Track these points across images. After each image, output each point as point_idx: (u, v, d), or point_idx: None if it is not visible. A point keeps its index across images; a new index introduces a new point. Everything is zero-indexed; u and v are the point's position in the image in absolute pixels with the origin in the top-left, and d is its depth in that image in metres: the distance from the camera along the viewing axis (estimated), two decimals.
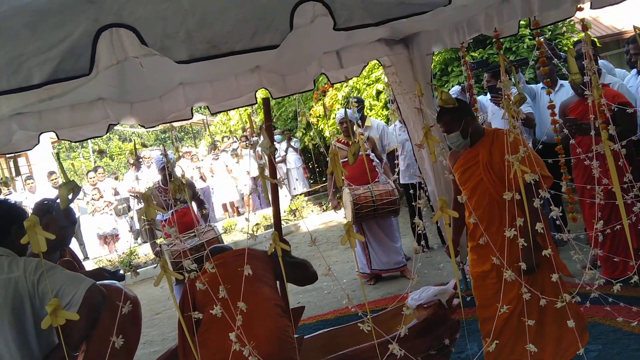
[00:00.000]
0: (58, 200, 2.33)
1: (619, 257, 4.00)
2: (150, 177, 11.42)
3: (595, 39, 7.48)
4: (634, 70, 5.05)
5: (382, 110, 9.27)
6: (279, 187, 2.62)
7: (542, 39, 3.81)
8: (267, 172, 2.45)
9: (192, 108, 4.46)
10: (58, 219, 3.00)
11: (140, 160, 12.33)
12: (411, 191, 4.98)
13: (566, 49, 8.48)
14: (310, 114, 11.30)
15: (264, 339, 2.96)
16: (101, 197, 11.82)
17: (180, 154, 15.11)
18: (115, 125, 4.44)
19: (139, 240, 12.49)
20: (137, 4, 1.67)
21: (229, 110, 7.80)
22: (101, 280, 3.66)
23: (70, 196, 1.97)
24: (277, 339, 2.94)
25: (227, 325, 2.62)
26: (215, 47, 1.74)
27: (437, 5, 1.94)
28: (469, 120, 3.35)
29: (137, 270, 9.62)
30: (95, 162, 24.82)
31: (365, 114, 7.53)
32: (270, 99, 4.38)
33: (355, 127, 7.19)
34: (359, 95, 9.88)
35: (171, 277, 2.02)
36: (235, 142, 13.63)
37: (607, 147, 2.30)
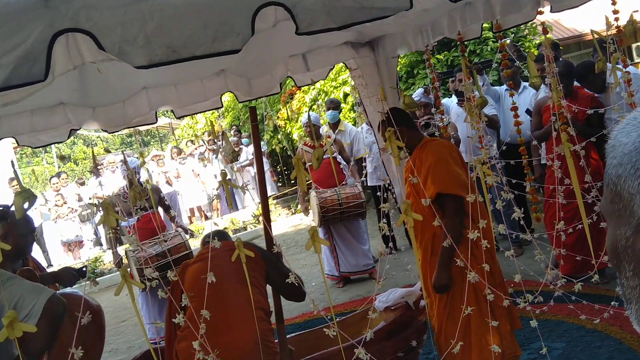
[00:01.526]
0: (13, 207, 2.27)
1: (580, 256, 4.07)
2: (114, 182, 11.24)
3: (557, 41, 7.64)
4: None
5: (350, 113, 9.31)
6: (243, 193, 2.59)
7: (507, 41, 3.88)
8: (233, 176, 2.43)
9: (156, 112, 4.40)
10: (16, 226, 2.92)
11: (101, 166, 12.13)
12: (378, 193, 5.00)
13: (528, 51, 8.64)
14: (278, 117, 11.27)
15: (242, 341, 2.94)
16: (65, 203, 11.58)
17: (145, 159, 14.93)
18: (77, 130, 4.34)
19: (104, 246, 12.27)
20: (94, 9, 1.63)
21: (195, 114, 7.73)
22: (68, 279, 3.60)
23: (25, 205, 1.91)
24: (256, 343, 2.91)
25: (209, 322, 2.58)
26: (175, 52, 1.72)
27: (399, 10, 1.94)
28: (404, 130, 3.25)
29: (101, 278, 9.49)
30: (59, 167, 24.32)
31: (342, 117, 7.56)
32: (237, 102, 4.36)
33: (326, 129, 7.23)
34: (326, 98, 9.90)
35: (132, 286, 1.98)
36: (202, 145, 13.50)
37: (567, 148, 2.35)
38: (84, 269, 3.97)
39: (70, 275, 3.70)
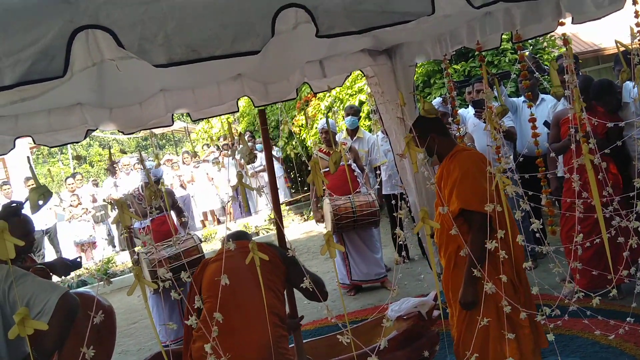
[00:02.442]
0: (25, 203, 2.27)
1: (597, 271, 4.01)
2: (129, 183, 11.30)
3: (575, 54, 7.57)
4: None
5: (365, 121, 9.28)
6: (259, 196, 2.56)
7: (525, 52, 3.85)
8: (247, 180, 2.42)
9: (172, 115, 4.40)
10: (17, 226, 2.88)
11: (117, 167, 12.20)
12: (393, 202, 4.97)
13: (547, 63, 8.58)
14: (293, 123, 11.28)
15: (255, 345, 2.91)
16: (79, 204, 11.65)
17: (161, 161, 15.01)
18: (94, 130, 4.36)
19: (117, 247, 12.33)
20: (114, 6, 1.63)
21: (211, 117, 7.75)
22: (62, 269, 3.59)
23: (40, 202, 1.91)
24: (269, 348, 2.88)
25: (222, 324, 2.56)
26: (194, 51, 1.71)
27: (420, 15, 1.92)
28: (434, 137, 3.25)
29: (113, 279, 9.52)
30: (74, 168, 24.52)
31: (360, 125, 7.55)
32: (253, 107, 4.35)
33: (344, 136, 7.21)
34: (342, 106, 9.89)
35: (145, 287, 1.96)
36: (216, 150, 13.56)
37: (588, 159, 2.31)
38: (78, 259, 3.95)
39: (65, 266, 3.69)
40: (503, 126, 2.52)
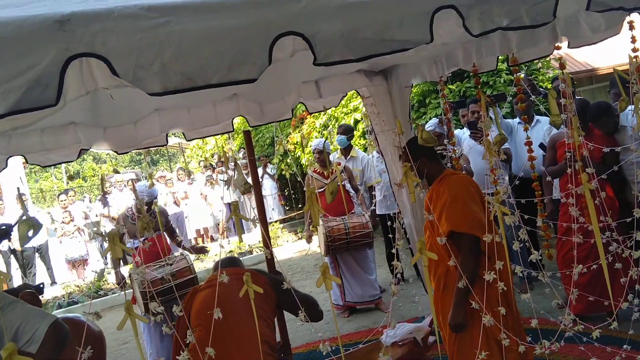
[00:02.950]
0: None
1: (593, 297, 3.98)
2: (122, 200, 11.23)
3: (571, 76, 7.60)
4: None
5: (360, 140, 9.28)
6: (254, 226, 2.51)
7: (521, 75, 3.85)
8: (242, 199, 2.38)
9: (167, 134, 4.37)
10: None
11: (109, 186, 12.14)
12: (389, 222, 4.93)
13: (542, 84, 8.63)
14: (288, 141, 11.26)
15: None
16: (71, 220, 11.55)
17: (154, 177, 14.94)
18: (87, 150, 4.33)
19: (109, 265, 12.21)
20: (110, 33, 1.60)
21: (206, 137, 7.72)
22: (26, 295, 3.52)
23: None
24: None
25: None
26: (190, 79, 1.68)
27: (420, 43, 1.91)
28: (424, 161, 3.30)
29: (105, 298, 9.41)
30: (67, 183, 24.41)
31: (352, 143, 7.52)
32: (248, 126, 4.33)
33: (338, 155, 7.18)
34: (337, 124, 9.89)
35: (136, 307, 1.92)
36: (210, 168, 13.50)
37: (587, 189, 2.28)
38: (41, 285, 3.89)
39: (27, 294, 3.62)
40: (502, 155, 2.50)
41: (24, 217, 1.89)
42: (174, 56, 1.67)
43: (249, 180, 2.72)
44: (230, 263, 3.38)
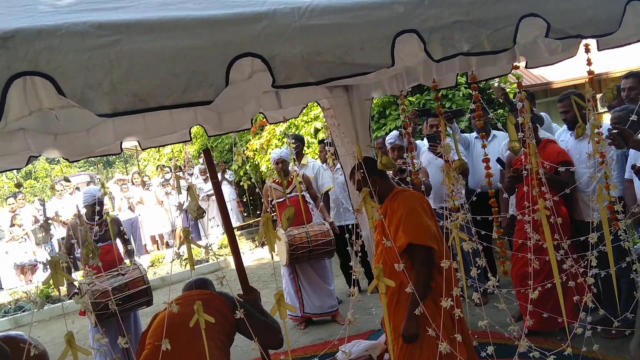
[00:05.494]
0: None
1: (547, 313, 4.04)
2: (72, 204, 10.90)
3: (525, 93, 7.76)
4: (565, 126, 5.25)
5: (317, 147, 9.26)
6: (206, 254, 2.43)
7: (495, 83, 3.90)
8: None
9: (121, 142, 4.24)
10: None
11: (61, 190, 11.82)
12: (347, 235, 4.91)
13: (508, 115, 8.75)
14: (247, 148, 11.15)
15: None
16: (20, 225, 11.15)
17: (112, 180, 14.60)
18: (37, 157, 4.16)
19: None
20: (56, 52, 1.51)
21: (162, 146, 7.55)
22: None
23: None
24: None
25: None
26: (142, 100, 1.60)
27: (380, 67, 1.88)
28: (376, 179, 3.37)
29: (53, 306, 9.12)
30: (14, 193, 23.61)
31: (303, 152, 7.49)
32: (206, 134, 4.22)
33: (291, 166, 7.12)
34: (297, 132, 9.85)
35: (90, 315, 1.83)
36: (168, 172, 13.24)
37: (544, 215, 2.30)
38: None
39: None
40: (461, 181, 2.50)
41: None
42: (124, 76, 1.59)
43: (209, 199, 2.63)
44: (200, 285, 3.43)
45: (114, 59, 1.57)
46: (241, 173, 12.37)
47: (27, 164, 4.10)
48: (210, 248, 2.23)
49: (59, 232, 11.27)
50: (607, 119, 5.39)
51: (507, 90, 8.69)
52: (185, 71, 1.66)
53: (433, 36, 2.02)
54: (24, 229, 11.18)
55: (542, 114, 6.01)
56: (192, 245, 2.12)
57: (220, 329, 2.97)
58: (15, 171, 24.41)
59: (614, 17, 2.50)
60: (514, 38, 2.19)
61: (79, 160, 4.55)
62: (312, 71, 1.80)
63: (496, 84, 4.20)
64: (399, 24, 1.96)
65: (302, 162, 7.09)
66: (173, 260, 9.21)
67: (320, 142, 7.79)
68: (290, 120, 10.11)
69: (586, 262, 3.19)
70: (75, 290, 5.24)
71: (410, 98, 8.58)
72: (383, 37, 1.91)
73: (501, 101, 8.41)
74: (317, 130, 9.54)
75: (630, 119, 3.35)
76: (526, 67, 3.83)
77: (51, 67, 1.51)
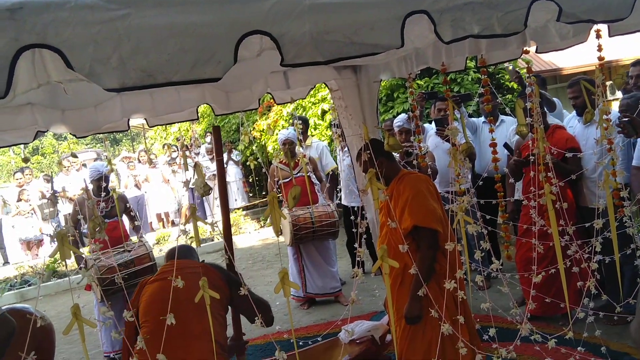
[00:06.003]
0: None
1: (550, 298, 4.05)
2: (79, 180, 10.95)
3: (534, 78, 7.70)
4: (574, 112, 5.21)
5: (327, 130, 9.23)
6: (212, 231, 2.43)
7: (509, 67, 3.87)
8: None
9: (128, 119, 4.25)
10: None
11: (68, 166, 11.85)
12: (352, 217, 4.93)
13: (508, 84, 8.71)
14: (254, 128, 11.14)
15: None
16: (27, 200, 11.21)
17: (118, 158, 14.62)
18: (45, 132, 4.17)
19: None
20: (64, 24, 1.51)
21: (169, 124, 7.55)
22: None
23: None
24: None
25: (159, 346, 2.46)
26: (150, 76, 1.60)
27: (390, 48, 1.87)
28: (383, 160, 3.38)
29: (59, 280, 9.19)
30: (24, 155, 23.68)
31: (309, 133, 7.50)
32: (213, 113, 4.22)
33: (297, 147, 7.13)
34: (304, 113, 9.82)
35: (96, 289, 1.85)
36: (175, 151, 13.26)
37: (549, 200, 2.30)
38: None
39: None
40: (468, 164, 2.50)
41: None
42: (133, 51, 1.58)
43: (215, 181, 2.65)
44: (185, 254, 3.26)
45: (123, 33, 1.57)
46: (247, 153, 12.36)
47: (34, 139, 4.11)
48: (216, 226, 2.24)
49: (65, 208, 11.34)
50: (615, 106, 5.35)
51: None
52: (193, 47, 1.65)
53: (443, 17, 2.00)
54: (30, 204, 11.26)
55: (555, 99, 5.97)
56: (198, 223, 2.14)
57: (219, 305, 2.98)
58: (22, 146, 24.51)
59: (626, 3, 2.47)
60: (525, 21, 2.17)
61: (86, 136, 4.56)
62: (321, 50, 1.79)
63: (510, 67, 4.16)
64: (410, 5, 1.94)
65: (306, 143, 7.10)
66: (179, 237, 9.23)
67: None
68: (297, 102, 10.09)
69: (590, 248, 3.19)
70: (82, 265, 5.27)
71: (418, 81, 8.54)
72: (393, 18, 1.90)
73: (515, 86, 8.37)
74: (324, 112, 9.51)
75: None
76: (537, 51, 3.80)
77: (59, 40, 1.51)
